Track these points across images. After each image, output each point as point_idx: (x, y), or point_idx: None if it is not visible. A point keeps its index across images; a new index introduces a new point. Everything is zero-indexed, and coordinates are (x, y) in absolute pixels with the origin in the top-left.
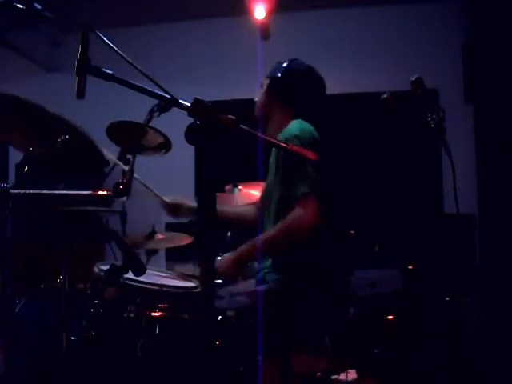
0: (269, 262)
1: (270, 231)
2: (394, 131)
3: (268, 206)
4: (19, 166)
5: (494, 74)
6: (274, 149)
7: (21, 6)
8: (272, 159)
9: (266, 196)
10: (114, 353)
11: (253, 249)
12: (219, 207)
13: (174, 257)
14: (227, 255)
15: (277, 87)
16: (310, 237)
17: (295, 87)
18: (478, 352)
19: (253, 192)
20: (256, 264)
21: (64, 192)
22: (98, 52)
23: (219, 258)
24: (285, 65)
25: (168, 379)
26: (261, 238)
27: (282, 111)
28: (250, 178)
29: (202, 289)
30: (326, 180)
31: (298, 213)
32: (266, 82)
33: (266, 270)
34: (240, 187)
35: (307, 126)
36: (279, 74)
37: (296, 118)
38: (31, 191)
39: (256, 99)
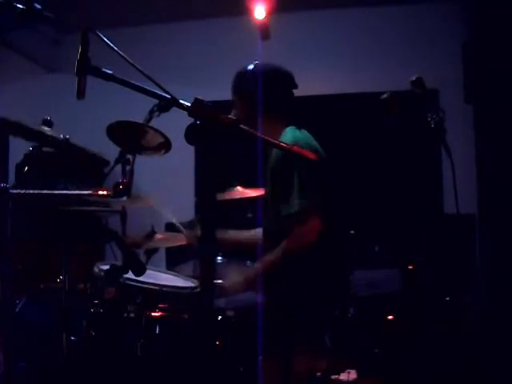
0: None
1: (274, 254)
2: (394, 131)
3: (265, 220)
4: (19, 166)
5: (494, 74)
6: (273, 160)
7: (21, 6)
8: (268, 170)
9: (263, 210)
10: (114, 353)
11: (261, 270)
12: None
13: (174, 257)
14: (235, 275)
15: (252, 104)
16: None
17: (271, 98)
18: (478, 352)
19: (248, 191)
20: (256, 264)
21: (64, 192)
22: (98, 52)
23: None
24: (249, 76)
25: (168, 379)
26: (267, 259)
27: (268, 123)
28: (250, 179)
29: (201, 289)
30: (325, 185)
31: (297, 233)
32: (237, 98)
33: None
34: (238, 188)
35: (299, 133)
36: (249, 90)
37: (284, 124)
38: (31, 191)
39: (232, 114)
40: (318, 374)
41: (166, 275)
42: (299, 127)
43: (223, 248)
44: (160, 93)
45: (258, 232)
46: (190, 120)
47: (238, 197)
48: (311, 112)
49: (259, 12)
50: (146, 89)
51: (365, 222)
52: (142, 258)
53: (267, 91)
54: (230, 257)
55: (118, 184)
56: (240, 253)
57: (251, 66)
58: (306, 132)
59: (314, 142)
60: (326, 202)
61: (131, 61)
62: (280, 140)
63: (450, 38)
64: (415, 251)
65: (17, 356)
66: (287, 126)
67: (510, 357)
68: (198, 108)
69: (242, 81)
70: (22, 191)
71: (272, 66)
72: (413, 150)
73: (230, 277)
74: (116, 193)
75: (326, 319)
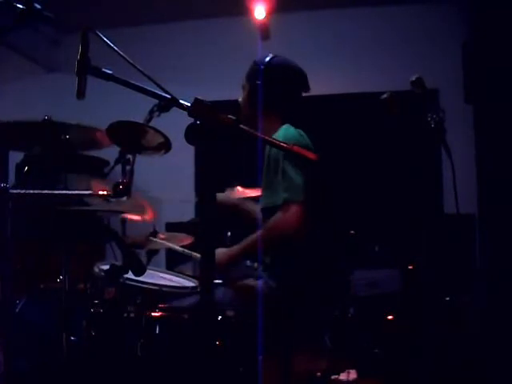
0: (268, 261)
1: (256, 235)
2: (394, 131)
3: (264, 218)
4: (19, 166)
5: (494, 74)
6: (266, 156)
7: (21, 6)
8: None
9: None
10: (114, 353)
11: (242, 249)
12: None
13: (174, 257)
14: (219, 250)
15: (258, 94)
16: (310, 237)
17: (278, 92)
18: (478, 352)
19: (248, 191)
20: (256, 264)
21: (64, 192)
22: (98, 52)
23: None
24: (263, 67)
25: (168, 379)
26: (248, 240)
27: (268, 117)
28: (250, 179)
29: (201, 289)
30: (318, 183)
31: (277, 217)
32: (247, 85)
33: (267, 270)
34: (238, 188)
35: (293, 131)
36: (259, 80)
37: (283, 121)
38: (31, 191)
39: (240, 99)
40: (318, 374)
41: (166, 275)
42: (300, 127)
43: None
44: (160, 93)
45: None
46: (190, 120)
47: (238, 197)
48: (311, 112)
49: (259, 12)
50: (146, 89)
51: (365, 222)
52: (143, 259)
53: (273, 86)
54: None
55: (118, 184)
56: None
57: (267, 58)
58: (301, 131)
59: (307, 141)
60: (325, 201)
61: (131, 61)
62: (273, 137)
63: (450, 37)
64: (415, 251)
65: (17, 356)
66: (283, 123)
67: (510, 357)
68: (198, 108)
69: (255, 69)
70: (22, 191)
71: (286, 63)
72: (413, 150)
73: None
74: (116, 193)
75: (325, 319)
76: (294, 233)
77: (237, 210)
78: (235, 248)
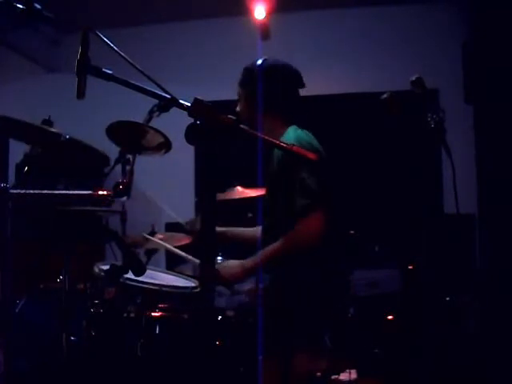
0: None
1: (275, 245)
2: (394, 131)
3: (265, 219)
4: (19, 166)
5: (494, 74)
6: (274, 160)
7: (21, 6)
8: (270, 170)
9: (263, 210)
10: (114, 353)
11: (259, 261)
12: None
13: (174, 257)
14: (233, 263)
15: (256, 99)
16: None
17: (277, 95)
18: (478, 352)
19: (248, 191)
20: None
21: (64, 192)
22: (98, 52)
23: (223, 263)
24: (257, 71)
25: (168, 379)
26: (266, 251)
27: (271, 120)
28: (250, 179)
29: (201, 289)
30: (326, 185)
31: (300, 227)
32: (243, 93)
33: (269, 272)
34: (238, 188)
35: (302, 133)
36: (254, 85)
37: (287, 123)
38: (31, 191)
39: (238, 109)
40: (318, 374)
41: (166, 275)
42: (302, 127)
43: (225, 244)
44: (160, 93)
45: (259, 229)
46: (190, 120)
47: (237, 197)
48: (311, 112)
49: (259, 12)
50: (146, 89)
51: (365, 222)
52: (142, 258)
53: (270, 89)
54: (229, 257)
55: (118, 184)
56: (240, 252)
57: (259, 62)
58: (308, 132)
59: (316, 142)
60: (326, 201)
61: (131, 61)
62: (282, 139)
63: (450, 38)
64: (415, 251)
65: (17, 356)
66: (290, 125)
67: (510, 357)
68: (198, 108)
69: (248, 76)
70: (22, 191)
71: (279, 64)
72: (413, 149)
73: (229, 266)
74: (116, 193)
75: (325, 319)
76: (318, 240)
77: (224, 238)
78: (251, 260)
